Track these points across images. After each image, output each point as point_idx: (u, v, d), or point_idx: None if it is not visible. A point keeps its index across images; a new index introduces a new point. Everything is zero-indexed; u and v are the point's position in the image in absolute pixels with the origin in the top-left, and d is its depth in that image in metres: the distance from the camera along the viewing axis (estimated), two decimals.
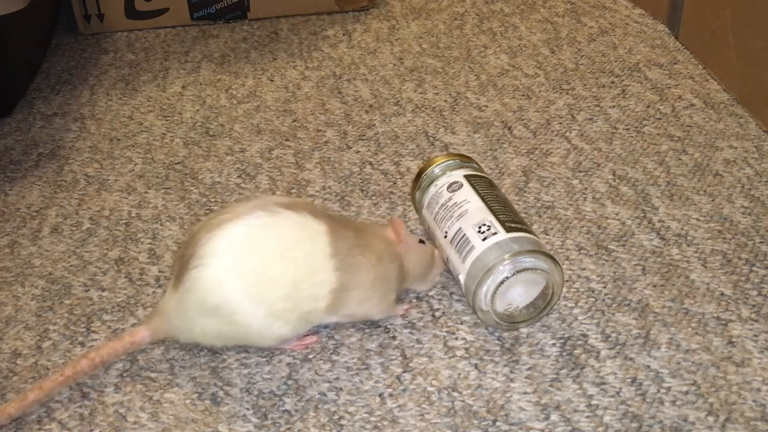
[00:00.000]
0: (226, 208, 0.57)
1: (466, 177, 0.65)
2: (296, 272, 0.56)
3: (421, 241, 0.63)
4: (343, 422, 0.54)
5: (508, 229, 0.59)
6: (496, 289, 0.58)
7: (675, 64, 0.96)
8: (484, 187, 0.64)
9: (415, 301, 0.64)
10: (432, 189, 0.66)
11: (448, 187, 0.65)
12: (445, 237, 0.63)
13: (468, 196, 0.63)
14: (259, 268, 0.55)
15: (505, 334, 0.60)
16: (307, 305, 0.57)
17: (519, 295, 0.59)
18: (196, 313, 0.56)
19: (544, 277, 0.58)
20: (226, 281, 0.55)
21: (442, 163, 0.67)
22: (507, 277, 0.58)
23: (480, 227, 0.60)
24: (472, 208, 0.62)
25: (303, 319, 0.57)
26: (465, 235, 0.61)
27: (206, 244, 0.55)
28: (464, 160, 0.68)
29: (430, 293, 0.64)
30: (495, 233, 0.59)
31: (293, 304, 0.56)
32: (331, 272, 0.57)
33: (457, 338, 0.60)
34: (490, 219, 0.61)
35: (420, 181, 0.68)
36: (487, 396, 0.55)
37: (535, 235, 0.60)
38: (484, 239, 0.59)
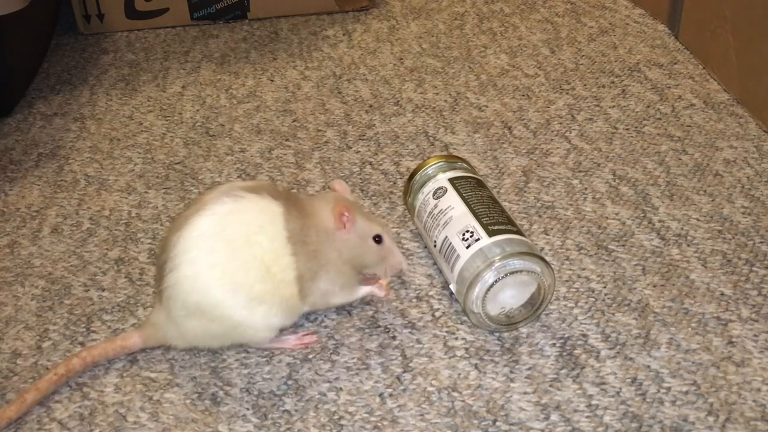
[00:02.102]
0: (192, 203, 0.57)
1: (451, 180, 0.65)
2: (264, 256, 0.55)
3: (377, 239, 0.59)
4: (343, 422, 0.54)
5: (491, 233, 0.59)
6: (485, 294, 0.58)
7: (675, 64, 0.96)
8: (469, 189, 0.64)
9: (415, 301, 0.64)
10: (420, 196, 0.66)
11: (433, 194, 0.65)
12: (435, 246, 0.63)
13: (452, 201, 0.63)
14: (230, 255, 0.55)
15: (506, 334, 0.60)
16: (285, 290, 0.56)
17: (511, 297, 0.59)
18: (183, 317, 0.56)
19: (534, 277, 0.58)
20: (200, 275, 0.54)
21: (430, 166, 0.67)
22: (493, 283, 0.58)
23: (464, 234, 0.60)
24: (456, 214, 0.62)
25: (286, 305, 0.57)
26: (451, 243, 0.61)
27: (176, 244, 0.55)
28: (451, 161, 0.68)
29: (430, 293, 0.64)
30: (478, 239, 0.59)
31: (272, 286, 0.56)
32: (290, 257, 0.56)
33: (457, 338, 0.60)
34: (473, 224, 0.60)
35: (410, 186, 0.68)
36: (487, 396, 0.55)
37: (521, 234, 0.60)
38: (467, 246, 0.59)
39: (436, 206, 0.64)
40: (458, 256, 0.60)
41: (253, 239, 0.55)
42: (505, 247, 0.58)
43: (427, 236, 0.65)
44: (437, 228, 0.63)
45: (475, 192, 0.64)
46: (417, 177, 0.67)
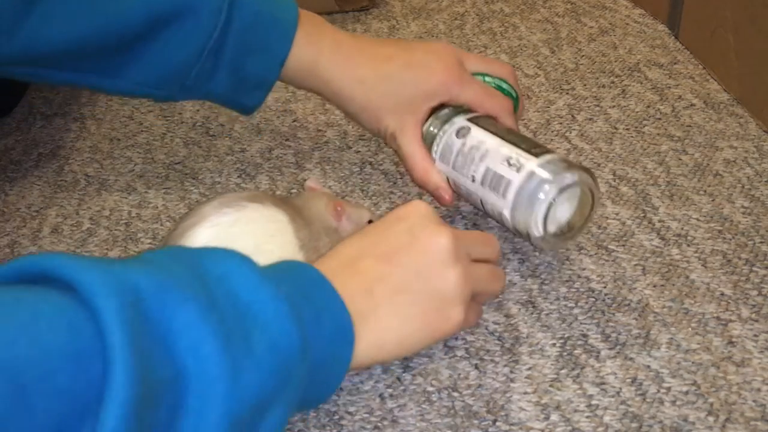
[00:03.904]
0: (189, 213, 0.57)
1: (470, 120, 0.67)
2: None
3: (370, 223, 0.62)
4: (343, 422, 0.54)
5: (536, 155, 0.61)
6: (546, 213, 0.60)
7: (675, 64, 0.96)
8: (491, 125, 0.66)
9: None
10: (438, 140, 0.67)
11: (457, 134, 0.66)
12: (473, 181, 0.64)
13: (481, 136, 0.65)
14: None
15: (506, 334, 0.60)
16: None
17: (565, 211, 0.61)
18: None
19: (582, 187, 0.60)
20: None
21: (440, 114, 0.68)
22: (554, 199, 0.59)
23: (509, 160, 0.62)
24: (492, 145, 0.63)
25: None
26: (496, 172, 0.62)
27: None
28: (458, 107, 0.69)
29: None
30: (527, 160, 0.61)
31: None
32: None
33: (457, 338, 0.60)
34: (515, 150, 0.62)
35: (423, 139, 0.69)
36: (487, 396, 0.55)
37: (557, 153, 0.62)
38: (518, 170, 0.61)
39: (464, 144, 0.65)
40: (509, 181, 0.61)
41: (263, 248, 0.55)
42: (555, 164, 0.60)
43: (459, 175, 0.66)
44: (473, 163, 0.64)
45: (498, 126, 0.66)
46: (427, 124, 0.69)
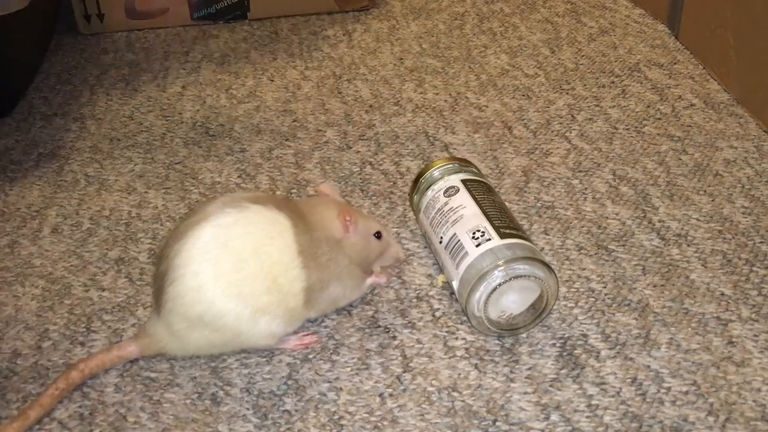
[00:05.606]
0: (193, 211, 0.57)
1: (464, 182, 0.65)
2: (272, 267, 0.55)
3: (377, 235, 0.62)
4: (343, 422, 0.54)
5: (503, 236, 0.59)
6: (489, 295, 0.57)
7: (675, 64, 0.96)
8: (481, 192, 0.64)
9: (415, 301, 0.64)
10: (429, 193, 0.66)
11: (444, 192, 0.65)
12: (440, 242, 0.63)
13: (464, 201, 0.63)
14: (236, 266, 0.55)
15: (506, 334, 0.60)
16: (291, 301, 0.57)
17: (513, 302, 0.58)
18: (185, 329, 0.55)
19: (538, 284, 0.58)
20: (205, 286, 0.54)
21: (441, 167, 0.67)
22: (500, 284, 0.57)
23: (474, 233, 0.60)
24: (468, 213, 0.62)
25: (290, 315, 0.57)
26: (459, 240, 0.60)
27: (177, 254, 0.54)
28: (463, 164, 0.68)
29: (430, 293, 0.64)
30: (489, 239, 0.59)
31: (277, 297, 0.56)
32: (300, 269, 0.57)
33: (457, 338, 0.60)
34: (485, 225, 0.60)
35: (418, 184, 0.67)
36: (487, 396, 0.55)
37: (530, 242, 0.60)
38: (477, 245, 0.59)
39: (446, 204, 0.63)
40: (466, 253, 0.59)
41: (262, 250, 0.55)
42: (517, 250, 0.58)
43: (432, 232, 0.65)
44: (445, 225, 0.62)
45: (486, 196, 0.64)
46: (427, 174, 0.67)
